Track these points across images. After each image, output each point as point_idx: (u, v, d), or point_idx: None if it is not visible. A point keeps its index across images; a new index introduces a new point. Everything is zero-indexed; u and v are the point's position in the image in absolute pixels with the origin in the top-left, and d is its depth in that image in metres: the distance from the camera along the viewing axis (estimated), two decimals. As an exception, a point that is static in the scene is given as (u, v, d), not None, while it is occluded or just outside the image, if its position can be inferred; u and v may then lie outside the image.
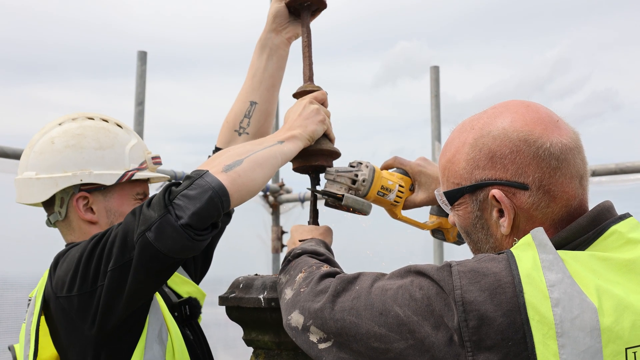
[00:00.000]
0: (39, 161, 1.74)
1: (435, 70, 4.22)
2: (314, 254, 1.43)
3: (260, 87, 1.97)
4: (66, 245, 1.77)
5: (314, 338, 1.19)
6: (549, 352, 0.94)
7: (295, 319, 1.23)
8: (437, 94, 4.18)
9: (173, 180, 1.53)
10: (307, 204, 4.62)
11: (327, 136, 1.78)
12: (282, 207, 4.72)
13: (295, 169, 1.82)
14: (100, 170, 1.73)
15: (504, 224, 1.15)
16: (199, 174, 1.44)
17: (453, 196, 1.22)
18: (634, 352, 0.96)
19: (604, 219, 1.11)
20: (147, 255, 1.43)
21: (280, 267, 1.48)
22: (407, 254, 4.34)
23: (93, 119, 1.81)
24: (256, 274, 1.71)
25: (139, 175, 1.78)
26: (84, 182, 1.71)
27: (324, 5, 1.93)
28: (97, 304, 1.52)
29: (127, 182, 1.77)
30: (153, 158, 1.86)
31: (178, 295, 1.90)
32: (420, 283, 1.07)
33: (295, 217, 4.69)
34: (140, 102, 3.98)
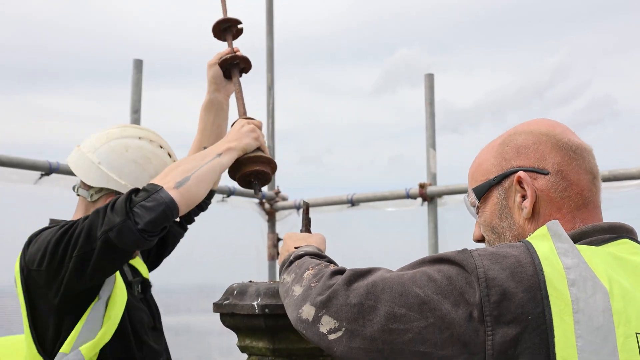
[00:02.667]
0: (107, 156, 2.00)
1: (430, 78, 4.23)
2: (316, 256, 1.44)
3: (210, 136, 2.35)
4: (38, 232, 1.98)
5: (324, 329, 1.17)
6: (566, 326, 0.98)
7: (306, 311, 1.21)
8: (431, 102, 4.20)
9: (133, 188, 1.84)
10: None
11: (261, 149, 2.10)
12: (278, 215, 4.73)
13: (239, 178, 2.09)
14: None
15: (526, 205, 1.24)
16: (155, 189, 1.78)
17: (481, 190, 1.33)
18: None
19: (623, 230, 1.21)
20: (107, 248, 1.76)
21: (282, 269, 1.47)
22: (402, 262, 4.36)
23: (163, 148, 2.10)
24: (250, 281, 1.73)
25: None
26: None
27: (249, 66, 2.34)
28: (61, 279, 1.82)
29: None
30: None
31: (138, 274, 2.22)
32: (439, 267, 1.11)
33: (291, 224, 4.70)
34: (135, 110, 3.99)
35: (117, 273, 2.00)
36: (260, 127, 2.14)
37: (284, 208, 4.70)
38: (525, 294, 1.01)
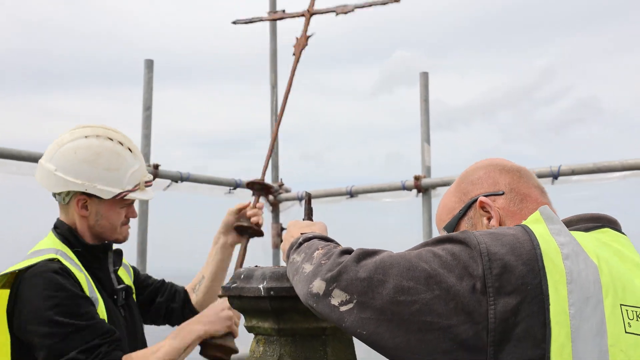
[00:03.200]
0: (60, 161, 2.03)
1: (425, 76, 4.21)
2: (323, 239, 1.43)
3: (208, 267, 2.48)
4: (55, 229, 2.12)
5: (335, 302, 1.17)
6: (560, 295, 1.00)
7: (317, 286, 1.21)
8: (426, 99, 4.18)
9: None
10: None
11: (230, 335, 2.22)
12: (282, 206, 4.72)
13: (203, 353, 2.22)
14: (103, 186, 2.03)
15: (493, 224, 1.31)
16: None
17: (451, 225, 1.40)
18: (627, 310, 1.04)
19: (605, 220, 1.26)
20: None
21: (291, 250, 1.45)
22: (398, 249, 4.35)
23: (112, 140, 2.08)
24: (256, 266, 1.71)
25: (130, 195, 2.08)
26: (87, 192, 2.02)
27: (260, 236, 2.57)
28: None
29: (117, 199, 2.08)
30: (146, 182, 2.16)
31: (122, 282, 2.25)
32: (443, 246, 1.14)
33: (294, 215, 4.68)
34: (147, 108, 3.97)
35: (97, 289, 2.05)
36: (238, 318, 2.23)
37: (287, 200, 4.68)
38: (525, 267, 1.03)
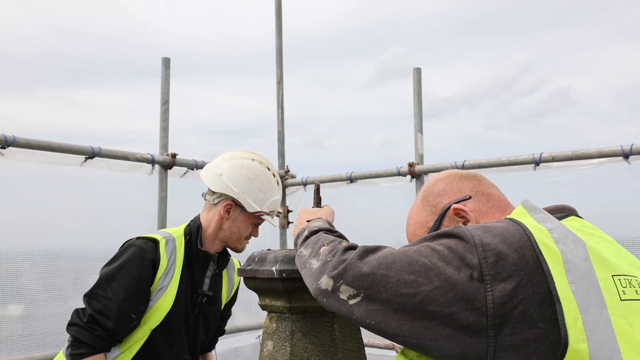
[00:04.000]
0: (228, 170, 2.20)
1: (418, 72, 4.17)
2: (329, 231, 1.40)
3: None
4: (190, 221, 2.27)
5: (343, 296, 1.14)
6: (560, 275, 0.98)
7: (325, 282, 1.18)
8: (419, 92, 4.14)
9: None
10: (309, 187, 4.60)
11: None
12: (288, 190, 4.68)
13: None
14: (250, 201, 2.19)
15: None
16: None
17: None
18: (619, 279, 1.03)
19: (568, 210, 1.24)
20: None
21: (299, 242, 1.43)
22: (394, 229, 4.32)
23: (269, 170, 2.26)
24: (269, 249, 1.68)
25: (264, 217, 2.24)
26: (237, 200, 2.18)
27: None
28: None
29: (254, 215, 2.21)
30: (278, 212, 2.32)
31: (217, 289, 2.30)
32: (439, 241, 1.11)
33: (299, 198, 4.65)
34: (165, 102, 3.93)
35: (181, 282, 2.14)
36: None
37: (292, 185, 4.65)
38: (516, 254, 1.01)
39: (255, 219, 2.24)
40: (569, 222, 1.18)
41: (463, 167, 3.86)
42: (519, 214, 1.14)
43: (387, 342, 3.82)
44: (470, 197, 1.32)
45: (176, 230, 2.22)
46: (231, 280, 2.40)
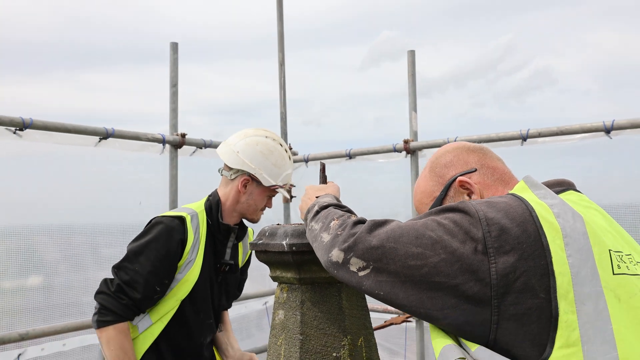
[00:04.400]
0: (244, 147, 2.23)
1: (412, 54, 4.16)
2: (338, 206, 1.42)
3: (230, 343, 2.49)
4: (209, 197, 2.32)
5: (353, 268, 1.16)
6: (558, 248, 1.00)
7: (335, 255, 1.19)
8: (413, 73, 4.13)
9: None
10: (311, 163, 4.62)
11: None
12: (290, 167, 4.70)
13: None
14: (265, 175, 2.23)
15: (475, 198, 1.27)
16: None
17: (435, 206, 1.33)
18: (613, 254, 1.05)
19: (566, 184, 1.24)
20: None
21: (310, 216, 1.45)
22: (390, 202, 4.36)
23: (282, 146, 2.30)
24: (278, 224, 1.71)
25: (279, 190, 2.30)
26: (254, 175, 2.23)
27: None
28: None
29: (269, 188, 2.27)
30: (290, 185, 2.38)
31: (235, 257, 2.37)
32: (445, 215, 1.12)
33: (300, 174, 4.67)
34: (174, 85, 3.92)
35: (205, 254, 2.19)
36: None
37: (295, 161, 4.66)
38: (518, 228, 1.02)
39: (270, 192, 2.31)
40: (568, 195, 1.18)
41: (455, 144, 3.87)
42: (520, 190, 1.15)
43: (385, 306, 3.88)
44: (475, 170, 1.31)
45: (198, 206, 2.26)
46: (246, 248, 2.47)
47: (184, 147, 3.85)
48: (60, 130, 3.32)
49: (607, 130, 3.43)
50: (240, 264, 2.44)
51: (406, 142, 4.05)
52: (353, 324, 1.60)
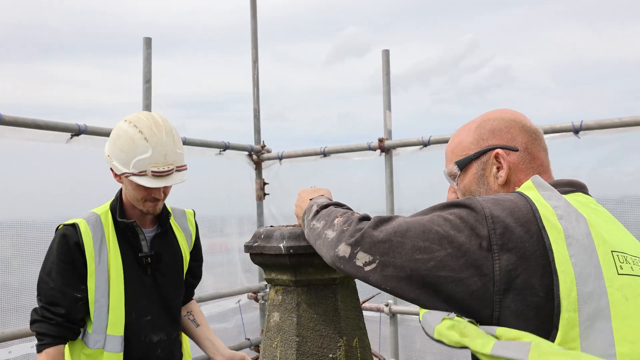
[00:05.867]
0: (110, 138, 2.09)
1: (386, 54, 4.19)
2: (338, 205, 1.41)
3: (200, 330, 2.42)
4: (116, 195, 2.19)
5: (360, 263, 1.15)
6: (561, 248, 1.02)
7: (342, 250, 1.19)
8: (387, 73, 4.16)
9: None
10: (285, 161, 4.60)
11: None
12: (264, 164, 4.67)
13: None
14: (117, 164, 2.02)
15: (502, 175, 1.27)
16: None
17: (463, 162, 1.33)
18: (617, 255, 1.06)
19: (577, 185, 1.24)
20: None
21: (309, 216, 1.43)
22: (366, 200, 4.38)
23: (136, 127, 2.01)
24: (271, 226, 1.70)
25: (131, 178, 2.00)
26: (109, 165, 2.07)
27: None
28: None
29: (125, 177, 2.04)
30: (153, 172, 1.99)
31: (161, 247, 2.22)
32: (450, 211, 1.12)
33: (274, 172, 4.66)
34: (147, 81, 3.85)
35: (121, 252, 2.09)
36: None
37: (268, 159, 4.64)
38: (522, 228, 1.03)
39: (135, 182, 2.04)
40: (575, 196, 1.19)
41: (429, 143, 3.91)
42: (527, 188, 1.15)
43: (374, 305, 3.91)
44: (517, 150, 1.27)
45: (103, 207, 2.16)
46: (186, 230, 2.33)
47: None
48: (30, 126, 3.23)
49: (576, 131, 3.52)
50: (187, 248, 2.33)
51: (381, 140, 4.07)
52: (348, 325, 1.60)
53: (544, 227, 1.03)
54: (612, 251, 1.06)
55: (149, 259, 2.15)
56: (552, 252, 1.01)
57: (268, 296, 1.69)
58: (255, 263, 1.67)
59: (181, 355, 2.31)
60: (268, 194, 4.66)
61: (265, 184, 4.66)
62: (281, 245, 1.55)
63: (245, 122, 4.75)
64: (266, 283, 4.65)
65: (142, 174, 1.98)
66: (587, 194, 1.26)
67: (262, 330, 4.61)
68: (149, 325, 2.14)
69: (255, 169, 4.65)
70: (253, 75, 4.73)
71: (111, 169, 2.08)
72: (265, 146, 4.63)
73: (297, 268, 1.57)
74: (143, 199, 2.08)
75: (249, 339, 4.44)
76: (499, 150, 1.27)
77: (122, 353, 2.05)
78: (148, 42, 3.87)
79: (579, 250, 1.02)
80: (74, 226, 2.05)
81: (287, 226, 1.67)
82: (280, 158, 4.56)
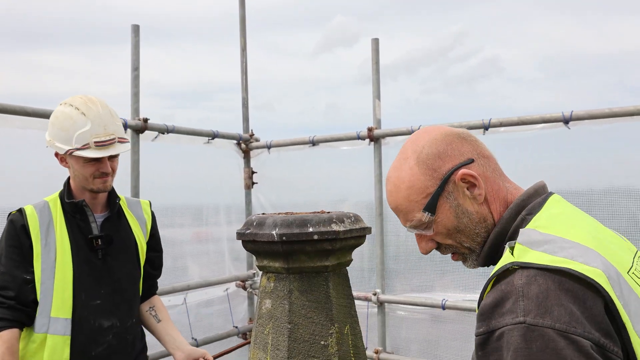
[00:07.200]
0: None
1: (376, 42, 4.17)
2: None
3: (162, 326, 2.39)
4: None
5: None
6: (614, 297, 0.96)
7: None
8: (377, 61, 4.15)
9: None
10: (273, 150, 4.58)
11: None
12: (252, 153, 4.66)
13: None
14: (59, 144, 2.03)
15: (480, 192, 1.15)
16: None
17: (432, 204, 1.16)
18: (630, 273, 1.03)
19: (542, 189, 1.18)
20: None
21: None
22: (354, 188, 4.38)
23: (72, 105, 2.05)
24: (263, 213, 1.69)
25: (77, 153, 2.01)
26: (50, 148, 2.07)
27: None
28: None
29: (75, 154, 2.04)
30: (96, 142, 2.02)
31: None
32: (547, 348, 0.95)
33: (262, 161, 4.64)
34: (135, 69, 3.81)
35: (68, 236, 2.10)
36: None
37: (257, 147, 4.62)
38: (590, 312, 0.94)
39: (83, 158, 2.05)
40: (554, 202, 1.14)
41: (418, 132, 3.91)
42: (522, 252, 1.03)
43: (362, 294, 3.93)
44: (473, 161, 1.16)
45: (53, 194, 2.18)
46: (140, 219, 2.33)
47: (146, 132, 3.76)
48: (19, 114, 3.19)
49: (566, 121, 3.54)
50: (143, 237, 2.32)
51: (370, 129, 4.07)
52: (340, 313, 1.61)
53: (608, 294, 0.95)
54: (627, 271, 1.03)
55: (99, 240, 2.13)
56: (615, 305, 0.95)
57: (259, 283, 1.69)
58: (247, 250, 1.67)
59: (143, 346, 2.29)
60: (256, 183, 4.65)
61: (253, 172, 4.65)
62: (274, 232, 1.55)
63: (233, 113, 4.73)
64: (254, 271, 4.65)
65: (85, 147, 2.01)
66: (551, 192, 1.18)
67: (250, 319, 4.62)
68: (99, 309, 2.12)
69: (244, 157, 4.64)
70: (242, 64, 4.71)
71: (56, 155, 2.08)
72: (253, 135, 4.61)
73: (289, 255, 1.57)
74: (92, 176, 2.08)
75: (236, 327, 4.44)
76: (464, 170, 1.14)
77: (68, 336, 2.03)
78: (136, 29, 3.82)
79: (616, 285, 0.97)
80: (21, 211, 2.10)
81: (279, 214, 1.67)
82: (268, 147, 4.54)
